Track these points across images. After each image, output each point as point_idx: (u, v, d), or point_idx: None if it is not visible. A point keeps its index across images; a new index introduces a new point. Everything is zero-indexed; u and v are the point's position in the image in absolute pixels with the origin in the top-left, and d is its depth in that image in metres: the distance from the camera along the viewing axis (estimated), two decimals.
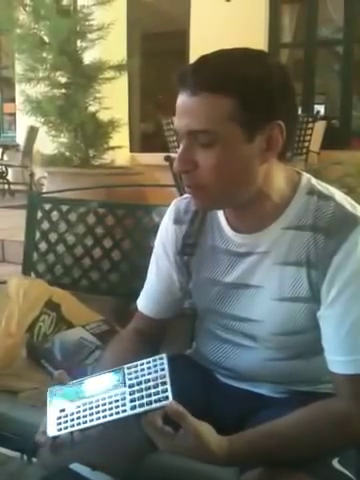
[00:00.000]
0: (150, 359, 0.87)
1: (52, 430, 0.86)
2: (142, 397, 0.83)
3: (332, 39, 7.03)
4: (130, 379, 0.86)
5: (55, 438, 0.86)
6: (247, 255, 1.03)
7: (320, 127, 5.51)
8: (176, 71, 0.93)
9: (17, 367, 1.50)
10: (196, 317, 1.25)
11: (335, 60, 7.11)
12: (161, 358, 0.86)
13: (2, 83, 8.27)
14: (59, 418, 0.87)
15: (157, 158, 3.65)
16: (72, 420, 0.86)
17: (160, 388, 0.83)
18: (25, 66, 3.35)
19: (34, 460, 1.29)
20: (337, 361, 0.94)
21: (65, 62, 3.28)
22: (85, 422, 0.85)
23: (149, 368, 0.86)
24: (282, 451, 0.89)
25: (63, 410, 0.88)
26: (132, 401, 0.83)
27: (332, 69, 7.22)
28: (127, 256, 1.96)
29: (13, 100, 6.96)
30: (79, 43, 3.42)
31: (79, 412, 0.86)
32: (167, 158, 3.18)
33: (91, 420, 0.85)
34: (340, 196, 0.99)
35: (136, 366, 0.87)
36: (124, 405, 0.84)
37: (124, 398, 0.84)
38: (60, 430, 0.86)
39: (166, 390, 0.83)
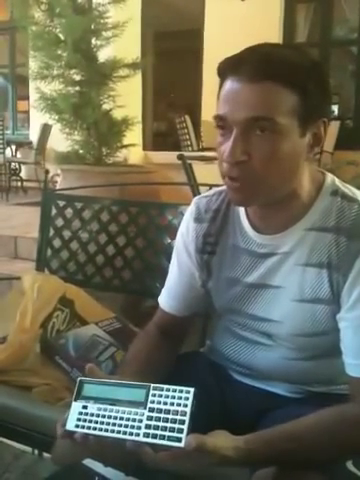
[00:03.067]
0: (177, 388, 0.84)
1: (71, 424, 0.88)
2: (158, 427, 0.82)
3: (347, 39, 6.97)
4: (152, 402, 0.85)
5: (70, 432, 0.87)
6: (269, 256, 1.02)
7: (334, 127, 5.47)
8: (225, 59, 0.91)
9: (31, 363, 1.51)
10: (210, 316, 1.25)
11: (349, 60, 7.06)
12: (188, 392, 0.84)
13: (16, 81, 8.32)
14: (80, 414, 0.88)
15: (170, 157, 3.64)
16: (90, 422, 0.87)
17: (177, 426, 0.82)
18: (40, 63, 3.36)
19: (45, 455, 1.30)
20: (354, 364, 0.93)
21: (80, 60, 3.29)
22: (100, 430, 0.86)
23: (173, 397, 0.84)
24: (299, 453, 0.88)
25: (85, 407, 0.88)
26: (147, 428, 0.83)
27: (346, 69, 7.17)
28: (140, 254, 1.96)
29: (27, 98, 6.99)
30: (94, 41, 3.43)
31: (98, 416, 0.87)
32: (180, 157, 3.17)
33: (106, 430, 0.85)
34: None
35: (162, 389, 0.85)
36: (139, 428, 0.83)
37: (141, 420, 0.84)
38: (77, 427, 0.87)
39: (181, 431, 0.81)
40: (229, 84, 0.90)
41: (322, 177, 1.01)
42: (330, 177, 1.01)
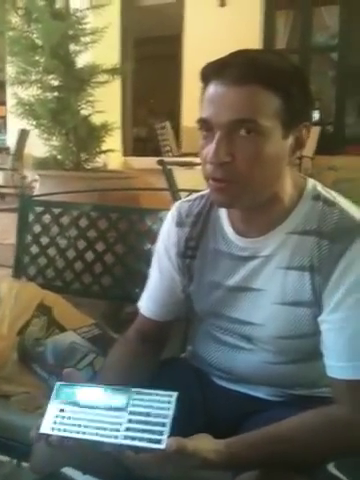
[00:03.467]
0: (160, 392, 0.84)
1: (46, 427, 0.86)
2: (138, 430, 0.81)
3: (326, 45, 7.07)
4: (134, 405, 0.84)
5: (45, 435, 0.86)
6: (250, 259, 1.02)
7: (314, 132, 5.54)
8: (208, 63, 0.93)
9: (8, 371, 1.49)
10: (191, 321, 1.24)
11: (329, 66, 7.16)
12: (171, 396, 0.83)
13: None
14: (56, 417, 0.86)
15: (150, 162, 3.65)
16: (67, 425, 0.85)
17: (158, 428, 0.81)
18: (17, 69, 3.33)
19: (24, 464, 1.28)
20: (336, 366, 0.93)
21: (58, 65, 3.27)
22: (78, 432, 0.84)
23: (156, 401, 0.83)
24: (281, 457, 0.88)
25: (62, 410, 0.87)
26: (127, 430, 0.82)
27: (326, 75, 7.27)
28: (120, 259, 1.95)
29: (4, 103, 6.94)
30: (72, 46, 3.41)
31: (76, 419, 0.85)
32: (160, 162, 3.17)
33: (83, 433, 0.84)
34: (345, 203, 0.99)
35: (144, 394, 0.85)
36: (118, 430, 0.82)
37: (121, 424, 0.83)
38: (53, 430, 0.85)
39: (162, 433, 0.80)
40: (213, 87, 0.91)
41: (304, 182, 1.02)
42: (311, 182, 1.03)
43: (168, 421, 0.81)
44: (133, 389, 0.86)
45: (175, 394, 0.83)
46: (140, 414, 0.83)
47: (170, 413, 0.81)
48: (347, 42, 6.34)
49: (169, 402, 0.82)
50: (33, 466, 1.06)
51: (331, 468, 0.92)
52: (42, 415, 0.88)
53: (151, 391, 0.85)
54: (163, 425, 0.81)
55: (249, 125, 0.89)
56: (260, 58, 0.93)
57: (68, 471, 0.98)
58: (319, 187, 1.02)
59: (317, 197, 0.99)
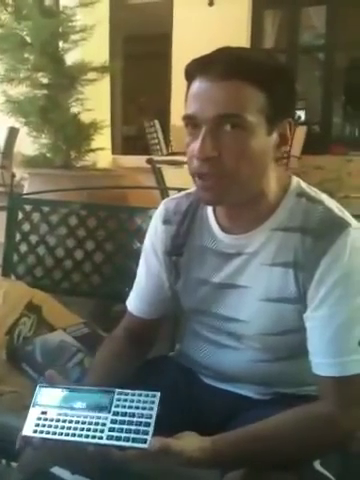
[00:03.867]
0: (143, 393, 0.85)
1: (28, 429, 0.86)
2: (122, 430, 0.82)
3: (313, 45, 7.11)
4: (117, 406, 0.85)
5: (28, 438, 0.86)
6: (236, 256, 1.03)
7: (301, 132, 5.56)
8: (193, 60, 0.93)
9: None
10: (179, 319, 1.25)
11: (316, 66, 7.20)
12: (154, 396, 0.84)
13: None
14: (39, 419, 0.87)
15: (139, 161, 3.64)
16: (49, 426, 0.85)
17: (142, 428, 0.82)
18: (6, 66, 3.31)
19: (13, 464, 1.28)
20: (322, 363, 0.94)
21: (47, 63, 3.25)
22: (61, 434, 0.84)
23: (139, 401, 0.84)
24: (266, 454, 0.89)
25: (45, 413, 0.87)
26: (111, 430, 0.83)
27: (313, 75, 7.30)
28: (109, 258, 1.95)
29: None
30: (61, 44, 3.39)
31: (59, 421, 0.85)
32: (149, 161, 3.17)
33: (67, 434, 0.84)
34: (328, 200, 1.00)
35: (127, 394, 0.85)
36: (102, 432, 0.83)
37: (104, 424, 0.83)
38: (36, 432, 0.86)
39: (147, 432, 0.81)
40: (198, 84, 0.92)
41: (288, 179, 1.03)
42: (296, 179, 1.03)
43: (152, 421, 0.82)
44: (116, 390, 0.86)
45: (158, 394, 0.84)
46: (124, 414, 0.83)
47: (154, 413, 0.82)
48: (333, 42, 6.38)
49: (153, 402, 0.83)
50: (21, 467, 1.05)
51: (317, 466, 0.92)
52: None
53: (134, 391, 0.85)
54: (147, 425, 0.82)
55: (234, 120, 0.89)
56: (244, 54, 0.94)
57: (56, 471, 0.98)
58: (303, 184, 1.03)
59: (301, 194, 1.00)
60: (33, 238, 2.07)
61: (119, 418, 0.83)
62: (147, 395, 0.84)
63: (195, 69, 0.93)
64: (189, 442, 0.85)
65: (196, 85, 0.92)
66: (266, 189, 0.98)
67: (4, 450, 1.33)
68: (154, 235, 1.14)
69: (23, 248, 2.08)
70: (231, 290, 1.04)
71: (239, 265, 1.02)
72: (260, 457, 0.89)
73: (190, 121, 0.93)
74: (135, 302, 1.18)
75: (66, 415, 0.86)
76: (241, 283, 1.03)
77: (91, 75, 3.41)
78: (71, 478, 0.97)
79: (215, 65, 0.90)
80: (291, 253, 0.97)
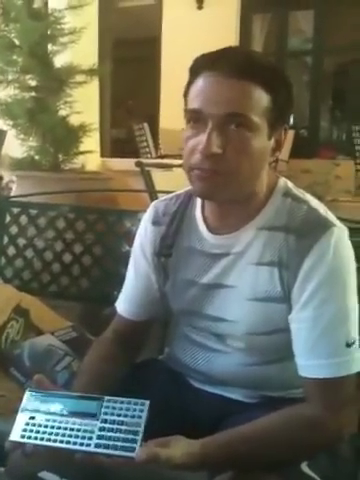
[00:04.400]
0: (132, 400, 0.85)
1: (15, 435, 0.86)
2: (110, 438, 0.82)
3: (301, 50, 7.15)
4: (105, 413, 0.84)
5: (19, 444, 0.86)
6: (223, 256, 1.03)
7: (289, 136, 5.57)
8: (202, 55, 0.94)
9: None
10: (168, 323, 1.25)
11: (304, 70, 7.24)
12: (143, 404, 0.84)
13: None
14: (27, 425, 0.86)
15: (128, 164, 3.64)
16: (37, 432, 0.85)
17: (130, 436, 0.82)
18: None
19: (1, 469, 1.27)
20: (308, 365, 0.94)
21: (35, 65, 3.24)
22: (49, 440, 0.84)
23: (128, 409, 0.84)
24: (253, 456, 0.89)
25: (33, 418, 0.86)
26: (99, 438, 0.82)
27: (301, 79, 7.35)
28: (98, 261, 1.95)
29: None
30: (50, 47, 3.38)
31: (47, 427, 0.85)
32: (138, 164, 3.17)
33: (55, 441, 0.84)
34: (315, 202, 1.01)
35: (116, 402, 0.85)
36: (90, 439, 0.83)
37: (93, 431, 0.83)
38: (23, 437, 0.85)
39: (135, 441, 0.81)
40: (205, 79, 0.92)
41: (275, 179, 1.04)
42: (283, 180, 1.04)
43: (141, 429, 0.82)
44: (105, 397, 0.86)
45: (147, 402, 0.84)
46: (112, 422, 0.83)
47: (142, 421, 0.82)
48: (321, 47, 6.42)
49: (142, 410, 0.83)
50: (9, 471, 1.05)
51: (304, 467, 0.92)
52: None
53: (123, 399, 0.85)
54: (136, 433, 0.82)
55: (241, 119, 0.90)
56: (254, 55, 0.95)
57: (45, 475, 0.97)
58: (290, 185, 1.04)
59: (287, 194, 1.01)
60: (21, 241, 2.06)
61: (107, 426, 0.83)
62: (136, 403, 0.84)
63: (203, 65, 0.93)
64: (177, 448, 0.85)
65: (203, 80, 0.92)
66: (257, 189, 1.00)
67: None
68: (143, 236, 1.14)
69: (11, 251, 2.07)
70: (219, 290, 1.04)
71: (226, 265, 1.03)
72: (248, 459, 0.89)
73: (194, 115, 0.93)
74: (124, 304, 1.18)
75: (54, 421, 0.85)
76: (228, 283, 1.03)
77: (80, 78, 3.41)
78: None
79: (226, 62, 0.90)
80: (276, 252, 0.97)
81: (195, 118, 0.93)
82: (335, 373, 0.92)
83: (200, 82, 0.92)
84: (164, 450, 0.83)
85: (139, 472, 0.90)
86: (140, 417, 0.83)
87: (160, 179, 3.12)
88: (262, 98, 0.91)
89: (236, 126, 0.90)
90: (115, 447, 0.81)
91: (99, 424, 0.84)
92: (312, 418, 0.92)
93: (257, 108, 0.91)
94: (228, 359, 1.07)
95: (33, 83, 3.35)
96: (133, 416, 0.83)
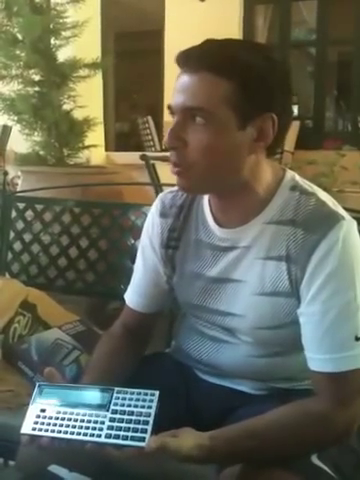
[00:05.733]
0: (142, 391, 0.85)
1: (27, 427, 0.86)
2: (120, 428, 0.83)
3: (305, 40, 7.10)
4: (115, 404, 0.85)
5: (34, 438, 0.86)
6: (230, 249, 1.03)
7: (294, 127, 5.55)
8: (180, 51, 0.94)
9: None
10: (175, 316, 1.25)
11: (308, 61, 7.19)
12: (153, 394, 0.85)
13: None
14: (38, 417, 0.87)
15: (133, 157, 3.63)
16: (48, 424, 0.86)
17: (140, 426, 0.82)
18: None
19: (11, 463, 1.28)
20: (317, 359, 0.94)
21: (39, 60, 3.23)
22: (59, 432, 0.85)
23: (138, 400, 0.85)
24: (261, 451, 0.89)
25: (44, 410, 0.87)
26: (109, 428, 0.83)
27: (305, 70, 7.30)
28: (103, 255, 1.95)
29: None
30: (53, 41, 3.37)
31: (57, 419, 0.86)
32: (143, 157, 3.17)
33: (65, 432, 0.84)
34: (323, 194, 0.99)
35: (126, 392, 0.86)
36: (101, 430, 0.83)
37: (103, 422, 0.84)
38: (34, 430, 0.86)
39: (145, 431, 0.82)
40: (179, 76, 0.94)
41: (282, 173, 1.02)
42: (290, 173, 1.03)
43: (151, 419, 0.82)
44: (115, 388, 0.87)
45: (157, 392, 0.84)
46: (122, 413, 0.84)
47: (152, 411, 0.83)
48: (325, 37, 6.37)
49: (152, 400, 0.84)
50: (19, 464, 1.05)
51: (314, 459, 0.92)
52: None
53: (133, 390, 0.86)
54: (146, 423, 0.82)
55: (200, 113, 0.90)
56: (217, 46, 0.93)
57: (54, 469, 0.98)
58: (297, 178, 1.02)
59: (294, 187, 1.00)
60: (27, 236, 2.07)
61: (118, 416, 0.84)
62: (146, 394, 0.84)
63: (177, 61, 0.94)
64: (186, 439, 0.85)
65: (179, 77, 0.94)
66: (253, 183, 0.98)
67: (1, 449, 1.33)
68: (151, 228, 1.14)
69: (17, 246, 2.07)
70: (226, 284, 1.04)
71: (233, 259, 1.02)
72: (257, 453, 0.89)
73: (170, 111, 0.95)
74: (132, 296, 1.18)
75: (65, 413, 0.86)
76: (235, 277, 1.03)
77: (83, 72, 3.40)
78: (69, 476, 0.97)
79: (188, 58, 0.91)
80: (284, 247, 0.96)
81: (171, 114, 0.95)
82: (344, 367, 0.91)
83: (178, 78, 0.94)
84: (173, 440, 0.83)
85: (147, 465, 0.90)
86: (150, 407, 0.83)
87: (165, 172, 3.11)
88: (223, 88, 0.89)
89: (196, 119, 0.91)
90: (125, 437, 0.82)
91: (109, 415, 0.84)
92: (320, 412, 0.91)
93: (218, 100, 0.89)
94: (235, 351, 1.07)
95: (36, 78, 3.35)
96: (143, 406, 0.83)
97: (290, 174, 1.02)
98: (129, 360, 1.13)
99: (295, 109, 6.80)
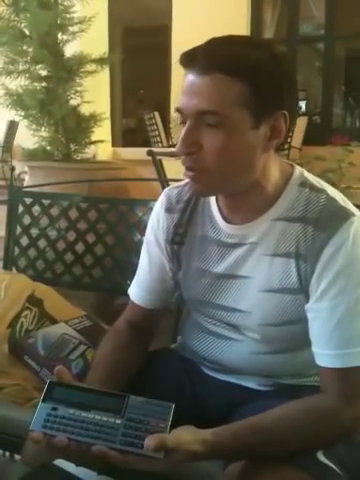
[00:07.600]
0: (158, 402, 0.85)
1: (37, 425, 0.85)
2: (135, 437, 0.82)
3: (313, 36, 7.06)
4: (130, 412, 0.85)
5: (48, 436, 0.85)
6: (237, 246, 1.02)
7: (301, 123, 5.53)
8: (184, 51, 0.92)
9: None
10: (181, 312, 1.25)
11: (316, 57, 7.15)
12: (169, 407, 0.85)
13: None
14: (49, 415, 0.86)
15: (139, 153, 3.63)
16: (60, 424, 0.85)
17: None
18: (5, 59, 3.30)
19: (17, 457, 1.28)
20: (325, 355, 0.94)
21: (46, 55, 3.24)
22: (72, 433, 0.84)
23: (153, 411, 0.85)
24: (267, 447, 0.89)
25: (55, 409, 0.86)
26: (124, 435, 0.83)
27: (313, 66, 7.27)
28: (110, 251, 1.95)
29: None
30: (60, 36, 3.37)
31: (70, 420, 0.85)
32: (149, 152, 3.16)
33: (78, 434, 0.84)
34: (332, 190, 0.99)
35: (141, 402, 0.86)
36: (115, 436, 0.83)
37: (118, 429, 0.83)
38: (45, 428, 0.85)
39: None
40: (185, 77, 0.92)
41: (291, 169, 1.01)
42: (299, 169, 1.02)
43: (167, 431, 0.82)
44: (131, 396, 0.87)
45: (173, 405, 0.84)
46: (139, 422, 0.84)
47: (168, 424, 0.83)
48: (333, 32, 6.33)
49: (167, 413, 0.84)
50: (25, 458, 1.05)
51: (320, 456, 0.92)
52: (34, 408, 0.87)
53: (149, 400, 0.86)
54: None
55: (213, 116, 0.88)
56: (225, 46, 0.90)
57: (60, 463, 0.98)
58: (306, 174, 1.01)
59: (303, 184, 0.99)
60: (34, 231, 2.07)
61: (133, 424, 0.84)
62: (162, 405, 0.85)
63: (182, 62, 0.92)
64: (186, 436, 0.85)
65: (185, 78, 0.92)
66: (263, 180, 0.97)
67: (7, 442, 1.34)
68: (156, 223, 1.13)
69: (24, 241, 2.08)
70: (232, 280, 1.04)
71: (240, 255, 1.02)
72: (261, 449, 0.89)
73: (179, 114, 0.93)
74: (137, 291, 1.18)
75: (79, 415, 0.85)
76: (242, 273, 1.02)
77: (90, 67, 3.40)
78: (75, 470, 0.97)
79: (197, 59, 0.89)
80: (293, 243, 0.96)
81: (180, 117, 0.93)
82: (352, 363, 0.91)
83: (184, 80, 0.92)
84: (171, 437, 0.83)
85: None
86: (165, 419, 0.83)
87: (171, 167, 3.11)
88: (236, 89, 0.87)
89: (210, 123, 0.89)
90: (141, 446, 0.81)
91: (125, 421, 0.84)
92: (328, 408, 0.91)
93: (230, 101, 0.87)
94: (240, 347, 1.07)
95: (44, 73, 3.36)
96: (159, 418, 0.84)
97: (299, 170, 1.02)
98: (134, 356, 1.13)
99: (303, 105, 6.79)
